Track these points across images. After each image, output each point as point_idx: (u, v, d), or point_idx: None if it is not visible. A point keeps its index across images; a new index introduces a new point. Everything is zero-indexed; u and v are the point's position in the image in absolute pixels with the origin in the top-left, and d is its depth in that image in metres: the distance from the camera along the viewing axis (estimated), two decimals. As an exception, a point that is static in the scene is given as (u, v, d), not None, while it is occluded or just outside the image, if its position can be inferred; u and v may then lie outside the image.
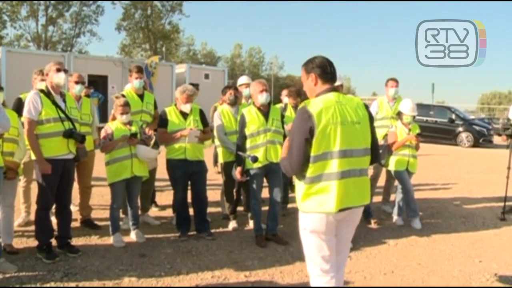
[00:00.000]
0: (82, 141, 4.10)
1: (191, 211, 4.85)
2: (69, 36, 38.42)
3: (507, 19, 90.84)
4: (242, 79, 6.22)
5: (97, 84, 14.85)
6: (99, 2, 37.71)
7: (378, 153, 2.83)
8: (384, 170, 5.86)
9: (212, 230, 4.84)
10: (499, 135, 8.06)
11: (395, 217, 5.55)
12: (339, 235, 2.54)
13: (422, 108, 15.65)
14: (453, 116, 17.71)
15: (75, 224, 4.82)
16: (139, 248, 4.36)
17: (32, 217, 4.40)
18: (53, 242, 4.09)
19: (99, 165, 5.15)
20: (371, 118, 2.64)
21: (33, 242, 4.17)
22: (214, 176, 7.08)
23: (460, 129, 17.33)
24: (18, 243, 4.33)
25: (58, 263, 3.86)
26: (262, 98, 4.52)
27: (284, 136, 4.75)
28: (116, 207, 4.53)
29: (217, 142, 5.32)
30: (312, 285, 2.56)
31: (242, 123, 4.57)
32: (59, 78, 4.00)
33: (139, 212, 4.95)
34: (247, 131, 4.52)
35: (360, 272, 3.90)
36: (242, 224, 5.19)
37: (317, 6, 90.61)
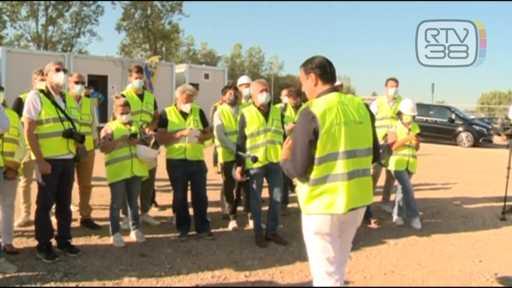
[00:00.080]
0: (81, 141, 4.10)
1: (191, 211, 4.85)
2: (69, 36, 38.45)
3: (507, 19, 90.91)
4: (242, 79, 6.22)
5: (97, 84, 14.86)
6: (99, 2, 37.79)
7: (378, 152, 2.81)
8: (384, 170, 5.87)
9: (212, 230, 4.84)
10: (499, 135, 8.07)
11: (395, 217, 5.55)
12: (342, 235, 2.53)
13: (422, 108, 15.64)
14: (453, 116, 17.71)
15: (75, 224, 4.82)
16: (139, 248, 4.36)
17: (32, 217, 4.40)
18: (53, 242, 4.09)
19: (99, 165, 5.15)
20: (373, 118, 2.62)
21: (33, 242, 4.17)
22: (214, 176, 7.07)
23: (460, 129, 17.33)
24: (18, 243, 4.33)
25: (58, 263, 3.86)
26: (262, 98, 4.52)
27: (284, 136, 4.74)
28: (116, 207, 4.53)
29: (217, 142, 5.32)
30: (316, 286, 2.53)
31: (242, 123, 4.57)
32: (59, 78, 4.00)
33: (139, 212, 4.95)
34: (247, 131, 4.51)
35: (360, 272, 3.90)
36: (242, 224, 5.19)
37: (317, 6, 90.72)
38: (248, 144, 4.53)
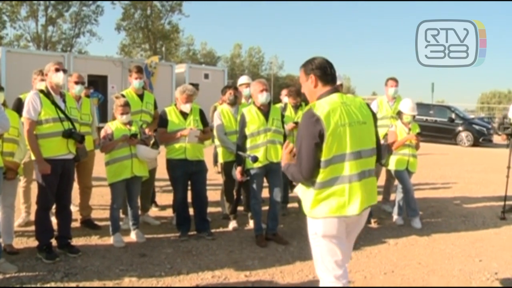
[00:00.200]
0: (81, 141, 4.09)
1: (191, 211, 4.85)
2: (69, 36, 38.43)
3: (507, 19, 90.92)
4: (242, 79, 6.22)
5: (97, 84, 14.85)
6: (98, 2, 37.77)
7: (381, 152, 2.79)
8: (384, 170, 5.87)
9: (212, 230, 4.84)
10: (498, 134, 8.08)
11: (395, 216, 5.55)
12: (348, 237, 2.51)
13: (422, 107, 15.65)
14: (453, 116, 17.72)
15: (75, 224, 4.82)
16: (139, 248, 4.36)
17: (32, 217, 4.40)
18: (53, 242, 4.09)
19: (99, 165, 5.15)
20: (375, 117, 2.60)
21: (33, 243, 4.17)
22: (214, 176, 7.07)
23: (460, 128, 17.34)
24: (18, 243, 4.33)
25: (58, 263, 3.86)
26: (262, 97, 4.52)
27: (284, 136, 4.75)
28: (116, 207, 4.53)
29: (217, 142, 5.32)
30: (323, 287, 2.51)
31: (242, 123, 4.56)
32: (58, 78, 4.00)
33: (139, 212, 4.95)
34: (247, 131, 4.51)
35: (360, 271, 3.90)
36: (242, 224, 5.19)
37: (316, 6, 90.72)
38: (248, 144, 4.52)
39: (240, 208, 5.43)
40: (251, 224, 5.04)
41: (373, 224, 5.29)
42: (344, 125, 2.34)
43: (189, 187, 4.83)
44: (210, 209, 5.07)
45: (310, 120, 2.34)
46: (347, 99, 2.48)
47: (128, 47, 40.86)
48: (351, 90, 57.93)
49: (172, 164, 4.69)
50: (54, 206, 4.28)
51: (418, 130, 5.53)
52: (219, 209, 5.63)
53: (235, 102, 5.31)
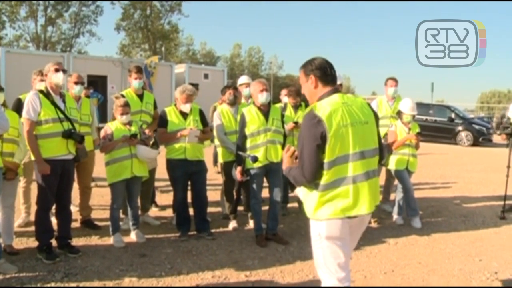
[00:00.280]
0: (81, 142, 4.09)
1: (191, 211, 4.85)
2: (68, 37, 38.39)
3: (507, 19, 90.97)
4: (242, 79, 6.22)
5: (97, 84, 14.82)
6: (98, 2, 37.70)
7: (383, 152, 2.74)
8: (384, 169, 5.87)
9: (212, 230, 4.84)
10: (496, 133, 8.09)
11: (395, 216, 5.55)
12: (351, 238, 2.49)
13: (421, 107, 15.66)
14: (453, 115, 17.73)
15: (75, 224, 4.82)
16: (140, 248, 4.36)
17: (32, 217, 4.40)
18: (53, 242, 4.09)
19: (99, 165, 5.15)
20: (376, 117, 2.57)
21: (33, 243, 4.17)
22: (214, 176, 7.08)
23: (460, 128, 17.34)
24: (18, 243, 4.33)
25: (58, 264, 3.86)
26: (262, 97, 4.52)
27: (284, 136, 4.75)
28: (116, 207, 4.53)
29: (216, 142, 5.32)
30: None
31: (242, 123, 4.56)
32: (58, 78, 4.00)
33: (139, 212, 4.95)
34: (247, 131, 4.51)
35: (360, 271, 3.90)
36: (242, 224, 5.19)
37: (316, 6, 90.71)
38: (248, 144, 4.52)
39: (240, 208, 5.44)
40: (251, 224, 5.04)
41: (373, 224, 5.30)
42: (346, 126, 2.32)
43: (189, 187, 4.83)
44: (210, 209, 5.08)
45: (311, 122, 2.31)
46: (348, 99, 2.45)
47: (127, 47, 40.83)
48: (351, 90, 57.93)
49: (172, 164, 4.69)
50: (54, 207, 4.28)
51: (418, 129, 5.53)
52: (219, 209, 5.63)
53: (234, 102, 5.31)
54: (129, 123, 4.58)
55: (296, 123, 5.42)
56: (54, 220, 4.31)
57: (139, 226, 4.75)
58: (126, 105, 4.54)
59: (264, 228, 4.67)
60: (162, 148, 4.82)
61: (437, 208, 6.27)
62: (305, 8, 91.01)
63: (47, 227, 4.06)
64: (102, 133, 4.57)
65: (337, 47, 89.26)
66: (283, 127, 4.76)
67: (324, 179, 2.32)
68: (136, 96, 5.16)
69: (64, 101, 4.12)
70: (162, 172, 5.26)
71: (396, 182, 5.76)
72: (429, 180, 8.62)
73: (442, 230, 5.22)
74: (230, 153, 5.00)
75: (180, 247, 4.40)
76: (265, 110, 4.58)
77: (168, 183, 5.02)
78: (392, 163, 5.41)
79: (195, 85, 6.84)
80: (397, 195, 5.58)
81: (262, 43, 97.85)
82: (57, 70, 3.99)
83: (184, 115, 4.73)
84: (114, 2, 37.40)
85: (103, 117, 12.28)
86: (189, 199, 4.83)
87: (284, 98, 6.14)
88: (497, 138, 14.71)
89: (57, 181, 3.99)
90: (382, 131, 5.66)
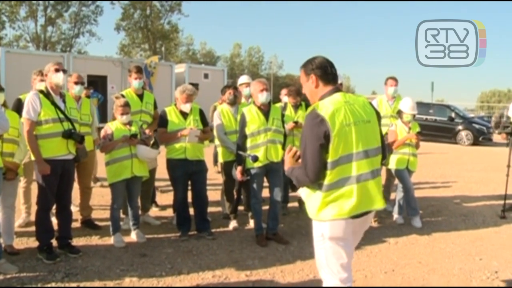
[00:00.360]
0: (81, 142, 4.09)
1: (191, 210, 4.85)
2: (68, 37, 38.40)
3: (507, 19, 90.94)
4: (243, 79, 6.22)
5: (97, 84, 14.81)
6: (98, 2, 37.74)
7: (385, 151, 2.71)
8: (384, 169, 5.86)
9: (213, 230, 4.84)
10: (498, 133, 8.08)
11: (395, 215, 5.55)
12: (353, 239, 2.48)
13: (421, 106, 15.66)
14: (453, 115, 17.74)
15: (75, 224, 4.82)
16: (140, 248, 4.36)
17: (33, 217, 4.40)
18: (54, 242, 4.09)
19: (99, 165, 5.15)
20: (379, 116, 2.55)
21: (33, 243, 4.18)
22: (214, 176, 7.08)
23: (460, 127, 17.35)
24: (19, 244, 4.33)
25: (58, 264, 3.86)
26: (263, 97, 4.52)
27: (285, 135, 4.75)
28: (116, 207, 4.53)
29: (217, 141, 5.32)
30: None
31: (243, 123, 4.56)
32: (58, 78, 4.00)
33: (140, 212, 4.95)
34: (248, 131, 4.51)
35: (360, 270, 3.90)
36: (242, 224, 5.19)
37: (316, 5, 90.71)
38: (249, 143, 4.52)
39: (241, 207, 5.44)
40: (251, 223, 5.04)
41: (374, 223, 5.29)
42: (349, 125, 2.29)
43: (189, 187, 4.83)
44: (210, 209, 5.07)
45: (314, 121, 2.28)
46: (350, 98, 2.43)
47: (127, 47, 40.84)
48: (351, 89, 57.92)
49: (172, 164, 4.69)
50: (54, 207, 4.28)
51: (418, 129, 5.53)
52: (219, 209, 5.63)
53: (234, 102, 5.31)
54: (129, 123, 4.58)
55: (296, 122, 5.42)
56: (54, 220, 4.31)
57: (140, 226, 4.74)
58: (126, 105, 4.54)
59: (264, 228, 4.67)
60: (162, 148, 4.82)
61: (437, 208, 6.27)
62: (305, 8, 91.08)
63: (48, 227, 4.06)
64: (102, 133, 4.57)
65: (337, 46, 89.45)
66: (283, 127, 4.76)
67: (328, 179, 2.29)
68: (136, 96, 5.16)
69: (64, 101, 4.12)
70: (162, 172, 5.26)
71: (396, 181, 5.76)
72: (429, 179, 8.62)
73: (442, 229, 5.22)
74: (230, 153, 5.00)
75: (181, 247, 4.40)
76: (265, 110, 4.58)
77: (168, 183, 5.02)
78: (393, 162, 5.41)
79: (195, 85, 6.84)
80: (397, 195, 5.58)
81: (262, 43, 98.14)
82: (57, 70, 3.99)
83: (184, 115, 4.73)
84: (114, 2, 37.48)
85: (103, 117, 12.27)
86: (190, 199, 4.83)
87: (284, 97, 6.14)
88: (497, 137, 14.71)
89: (57, 181, 3.99)
90: (383, 131, 5.66)
